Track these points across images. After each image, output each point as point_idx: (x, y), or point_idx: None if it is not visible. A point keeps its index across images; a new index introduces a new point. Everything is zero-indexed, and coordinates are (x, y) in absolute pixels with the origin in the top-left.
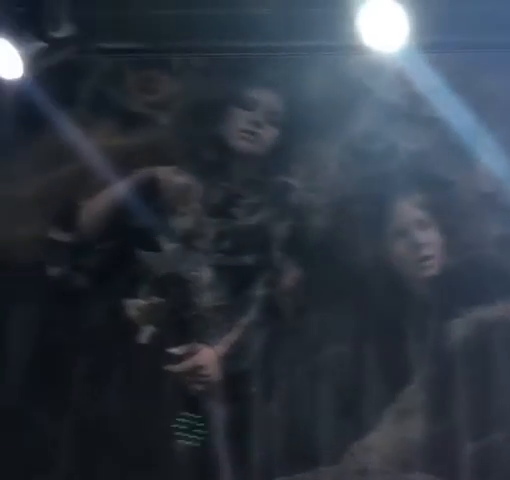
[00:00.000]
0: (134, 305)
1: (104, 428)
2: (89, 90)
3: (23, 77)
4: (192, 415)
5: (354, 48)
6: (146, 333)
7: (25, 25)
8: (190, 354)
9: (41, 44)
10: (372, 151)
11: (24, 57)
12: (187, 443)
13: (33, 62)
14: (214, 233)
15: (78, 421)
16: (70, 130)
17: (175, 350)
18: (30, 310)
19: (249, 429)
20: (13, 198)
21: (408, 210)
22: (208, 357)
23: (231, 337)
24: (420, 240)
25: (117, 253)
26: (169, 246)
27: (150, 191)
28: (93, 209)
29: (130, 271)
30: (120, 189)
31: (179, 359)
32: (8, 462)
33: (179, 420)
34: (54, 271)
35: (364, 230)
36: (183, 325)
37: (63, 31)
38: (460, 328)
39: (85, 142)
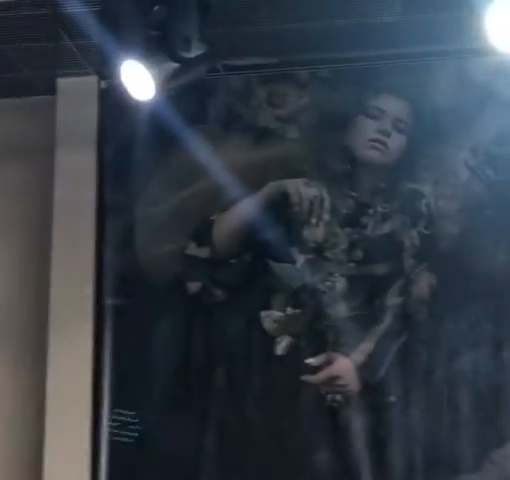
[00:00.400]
0: (270, 317)
1: (245, 438)
2: (219, 107)
3: (156, 98)
4: (125, 412)
5: (479, 51)
6: (282, 344)
7: (157, 47)
8: (326, 364)
9: (173, 65)
10: (502, 154)
11: (157, 78)
12: (122, 440)
13: (165, 83)
14: (346, 243)
15: (219, 432)
16: (202, 147)
17: (311, 360)
18: (171, 324)
19: (388, 438)
20: (152, 217)
21: None
22: (344, 367)
23: (367, 346)
24: None
25: (251, 266)
26: (302, 258)
27: (281, 204)
28: (226, 224)
29: (265, 284)
30: (251, 203)
31: (316, 369)
32: (155, 473)
33: (113, 418)
34: (193, 286)
35: (497, 235)
36: (318, 335)
37: (193, 51)
38: None
39: (217, 158)
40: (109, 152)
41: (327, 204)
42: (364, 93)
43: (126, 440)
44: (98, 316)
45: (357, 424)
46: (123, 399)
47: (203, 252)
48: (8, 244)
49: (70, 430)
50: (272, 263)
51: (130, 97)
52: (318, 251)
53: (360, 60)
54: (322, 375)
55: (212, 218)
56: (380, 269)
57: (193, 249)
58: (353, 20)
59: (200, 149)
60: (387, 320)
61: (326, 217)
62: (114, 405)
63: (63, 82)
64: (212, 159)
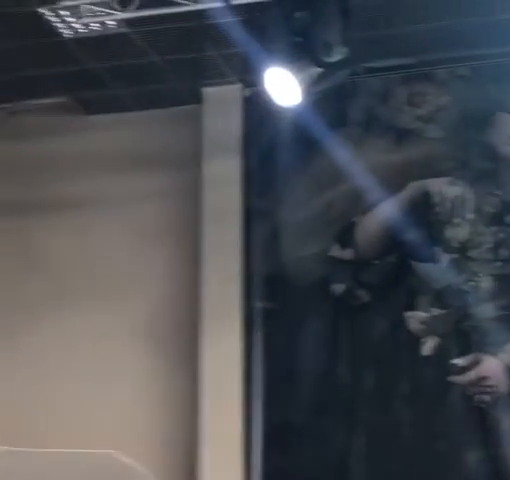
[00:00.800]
0: (415, 318)
1: (393, 439)
2: (359, 110)
3: (298, 103)
4: None
5: None
6: (428, 345)
7: (300, 53)
8: (473, 364)
9: (315, 70)
10: None
11: (300, 84)
12: None
13: (309, 88)
14: (491, 242)
15: (368, 433)
16: (343, 150)
17: (458, 361)
18: (318, 326)
19: None
20: (296, 220)
21: None
22: (493, 367)
23: None
24: None
25: (395, 267)
26: (446, 257)
27: (423, 204)
28: (369, 226)
29: (409, 284)
30: (393, 204)
31: (463, 370)
32: (301, 474)
33: None
34: (338, 288)
35: None
36: (464, 336)
37: (335, 55)
38: None
39: (358, 161)
40: (254, 158)
41: (470, 203)
42: (504, 89)
43: None
44: (247, 318)
45: (506, 424)
46: (273, 399)
47: (347, 254)
48: (159, 249)
49: (222, 429)
50: (416, 264)
51: (273, 103)
52: (462, 251)
53: (499, 56)
54: (470, 376)
55: (354, 220)
56: None
57: (337, 251)
58: (491, 17)
59: (341, 152)
60: None
61: (470, 216)
62: (265, 406)
63: (208, 91)
64: (353, 161)
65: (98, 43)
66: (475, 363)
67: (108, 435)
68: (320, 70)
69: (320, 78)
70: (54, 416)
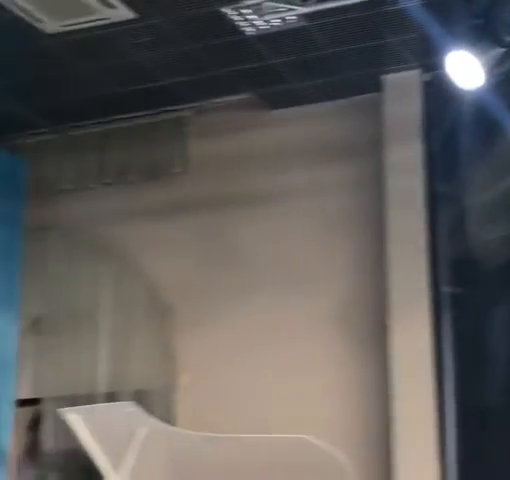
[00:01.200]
0: None
1: None
2: None
3: (481, 86)
4: None
5: None
6: None
7: (482, 35)
8: None
9: (498, 50)
10: None
11: (483, 65)
12: None
13: (491, 69)
14: None
15: None
16: None
17: None
18: (507, 309)
19: None
20: (481, 203)
21: None
22: None
23: None
24: None
25: None
26: None
27: None
28: None
29: None
30: None
31: None
32: (496, 458)
33: None
34: None
35: None
36: None
37: None
38: None
39: None
40: (435, 142)
41: None
42: None
43: None
44: (435, 304)
45: None
46: (465, 384)
47: None
48: (346, 237)
49: (416, 415)
50: None
51: (454, 87)
52: None
53: None
54: None
55: None
56: None
57: None
58: None
59: None
60: None
61: None
62: (457, 390)
63: (388, 78)
64: None
65: (279, 38)
66: None
67: (301, 422)
68: (502, 50)
69: (502, 59)
70: (248, 404)
